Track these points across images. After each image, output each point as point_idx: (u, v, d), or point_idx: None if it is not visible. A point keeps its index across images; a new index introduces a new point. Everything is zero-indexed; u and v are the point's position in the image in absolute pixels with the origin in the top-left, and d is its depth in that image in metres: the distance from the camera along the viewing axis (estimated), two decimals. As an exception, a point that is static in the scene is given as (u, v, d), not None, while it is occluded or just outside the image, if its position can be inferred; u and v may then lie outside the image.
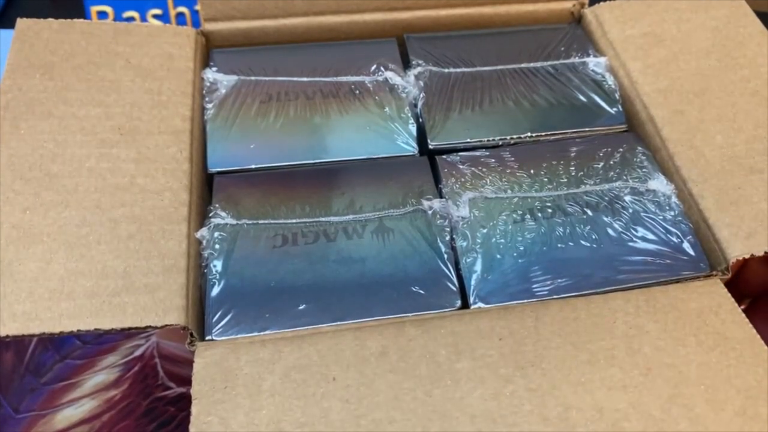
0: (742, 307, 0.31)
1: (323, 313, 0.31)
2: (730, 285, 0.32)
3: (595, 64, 0.42)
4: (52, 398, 0.40)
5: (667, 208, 0.35)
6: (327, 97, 0.40)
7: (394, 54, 0.42)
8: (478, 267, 0.33)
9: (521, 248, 0.33)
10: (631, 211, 0.35)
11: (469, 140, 0.38)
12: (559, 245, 0.34)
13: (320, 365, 0.29)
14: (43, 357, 0.41)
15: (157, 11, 0.57)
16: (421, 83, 0.40)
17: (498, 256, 0.33)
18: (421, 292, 0.32)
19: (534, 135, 0.38)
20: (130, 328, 0.29)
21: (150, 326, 0.30)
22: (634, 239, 0.34)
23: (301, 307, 0.31)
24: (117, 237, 0.32)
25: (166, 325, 0.29)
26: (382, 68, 0.41)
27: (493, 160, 0.37)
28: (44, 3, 0.63)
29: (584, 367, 0.29)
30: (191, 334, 0.30)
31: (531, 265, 0.33)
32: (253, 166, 0.37)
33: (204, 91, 0.39)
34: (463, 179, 0.36)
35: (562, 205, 0.35)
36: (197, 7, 0.55)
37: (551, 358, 0.29)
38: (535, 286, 0.32)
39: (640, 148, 0.38)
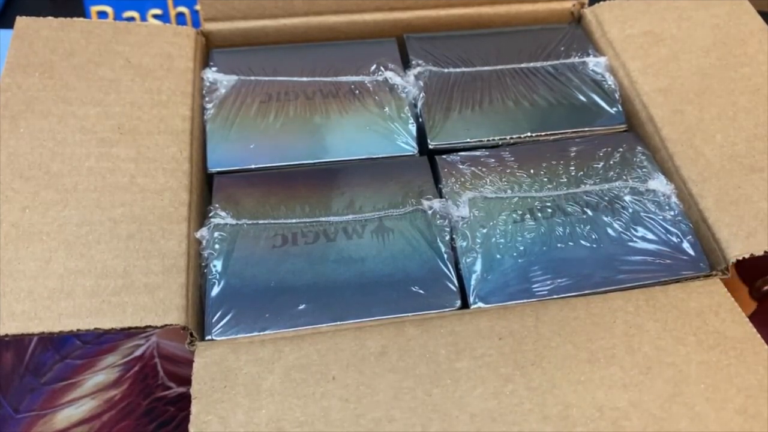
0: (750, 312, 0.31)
1: (323, 313, 0.31)
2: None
3: (594, 63, 0.42)
4: (52, 398, 0.39)
5: (667, 207, 0.35)
6: (327, 97, 0.40)
7: (394, 54, 0.42)
8: (477, 267, 0.33)
9: (521, 248, 0.33)
10: (630, 210, 0.35)
11: (468, 140, 0.38)
12: (558, 245, 0.34)
13: (320, 365, 0.29)
14: (43, 357, 0.41)
15: (157, 11, 0.57)
16: (421, 83, 0.40)
17: (498, 256, 0.33)
18: (421, 292, 0.32)
19: (534, 135, 0.38)
20: (129, 328, 0.29)
21: (150, 326, 0.29)
22: (634, 239, 0.34)
23: (301, 307, 0.31)
24: (117, 236, 0.32)
25: (166, 325, 0.29)
26: (381, 68, 0.41)
27: (492, 160, 0.37)
28: (44, 3, 0.62)
29: (584, 366, 0.29)
30: (191, 334, 0.30)
31: (531, 264, 0.33)
32: (253, 166, 0.37)
33: (204, 91, 0.39)
34: (462, 179, 0.36)
35: (562, 205, 0.35)
36: (197, 7, 0.55)
37: (551, 358, 0.29)
38: (534, 286, 0.32)
39: (639, 147, 0.38)
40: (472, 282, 0.32)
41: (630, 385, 0.28)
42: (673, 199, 0.35)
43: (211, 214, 0.34)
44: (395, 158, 0.38)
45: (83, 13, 0.56)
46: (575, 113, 0.39)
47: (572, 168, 0.37)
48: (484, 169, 0.36)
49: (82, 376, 0.40)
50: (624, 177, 0.36)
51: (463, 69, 0.41)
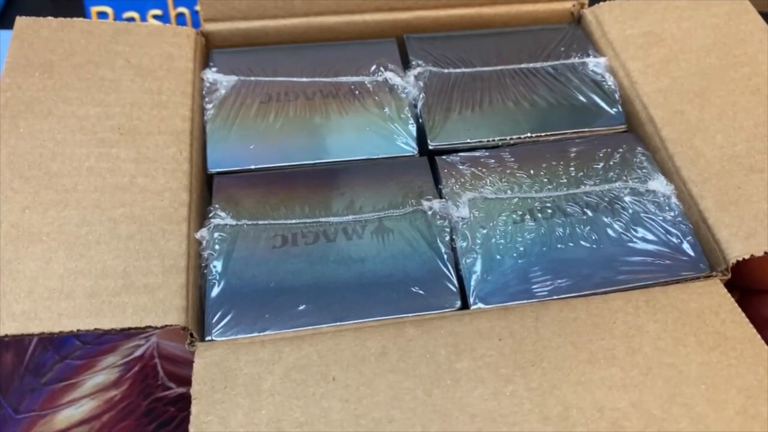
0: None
1: (323, 314, 0.31)
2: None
3: (594, 64, 0.42)
4: (52, 398, 0.39)
5: (667, 208, 0.35)
6: (327, 97, 0.40)
7: (394, 54, 0.42)
8: (477, 267, 0.33)
9: (521, 249, 0.33)
10: (630, 211, 0.35)
11: (468, 141, 0.38)
12: (558, 246, 0.34)
13: (320, 365, 0.29)
14: (43, 357, 0.41)
15: (157, 11, 0.57)
16: (421, 83, 0.40)
17: (498, 257, 0.33)
18: (421, 292, 0.32)
19: (534, 135, 0.38)
20: (129, 328, 0.29)
21: (150, 326, 0.29)
22: (634, 240, 0.34)
23: (301, 308, 0.31)
24: (117, 237, 0.32)
25: (166, 326, 0.29)
26: (381, 68, 0.41)
27: (492, 161, 0.37)
28: (44, 3, 0.62)
29: (584, 366, 0.29)
30: (191, 335, 0.30)
31: (531, 265, 0.33)
32: (253, 167, 0.37)
33: (204, 92, 0.39)
34: (462, 180, 0.36)
35: (562, 206, 0.35)
36: (197, 8, 0.55)
37: (551, 358, 0.29)
38: (534, 286, 0.32)
39: (639, 148, 0.38)
40: (472, 283, 0.32)
41: (630, 385, 0.28)
42: (673, 199, 0.35)
43: (211, 215, 0.34)
44: (395, 159, 0.38)
45: (83, 14, 0.56)
46: (575, 114, 0.39)
47: (572, 168, 0.37)
48: (484, 170, 0.36)
49: (82, 376, 0.40)
50: (624, 177, 0.36)
51: (463, 69, 0.41)
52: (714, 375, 0.28)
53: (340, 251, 0.33)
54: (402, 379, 0.28)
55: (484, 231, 0.34)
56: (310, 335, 0.30)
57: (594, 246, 0.34)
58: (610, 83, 0.41)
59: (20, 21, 0.38)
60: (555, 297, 0.32)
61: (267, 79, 0.40)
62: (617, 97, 0.40)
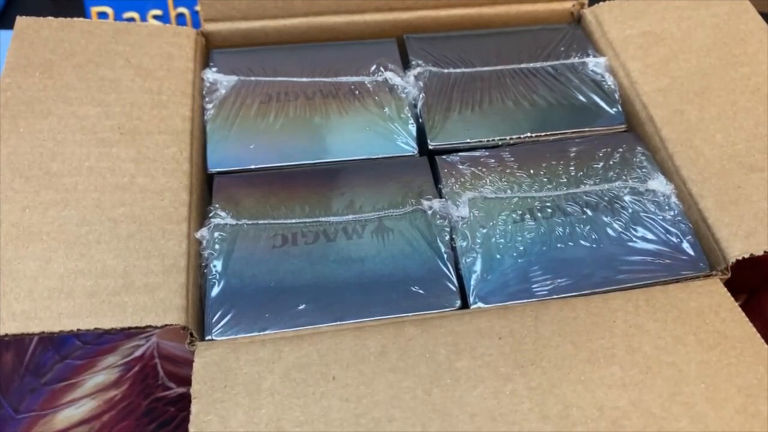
0: (739, 302, 0.31)
1: (323, 313, 0.31)
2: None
3: (594, 64, 0.42)
4: (53, 398, 0.39)
5: (667, 207, 0.35)
6: (327, 97, 0.40)
7: (394, 54, 0.42)
8: (477, 267, 0.33)
9: (521, 248, 0.33)
10: (630, 211, 0.35)
11: (468, 140, 0.38)
12: (558, 245, 0.34)
13: (320, 365, 0.29)
14: (43, 357, 0.41)
15: (157, 12, 0.57)
16: (421, 83, 0.40)
17: (498, 256, 0.33)
18: (421, 291, 0.32)
19: (534, 135, 0.38)
20: (130, 328, 0.29)
21: (150, 326, 0.29)
22: (634, 239, 0.34)
23: (301, 307, 0.31)
24: (117, 236, 0.32)
25: (166, 325, 0.29)
26: (381, 68, 0.41)
27: (492, 160, 0.37)
28: (44, 3, 0.63)
29: (584, 365, 0.29)
30: (191, 334, 0.30)
31: (531, 265, 0.33)
32: (253, 167, 0.37)
33: (204, 92, 0.39)
34: (462, 179, 0.36)
35: (562, 205, 0.35)
36: (197, 8, 0.55)
37: (551, 357, 0.29)
38: (534, 286, 0.32)
39: (639, 148, 0.38)
40: (472, 282, 0.32)
41: (630, 384, 0.28)
42: (673, 199, 0.35)
43: (211, 215, 0.34)
44: (395, 158, 0.38)
45: (83, 14, 0.56)
46: (575, 113, 0.39)
47: (572, 168, 0.37)
48: (483, 170, 0.36)
49: (83, 376, 0.40)
50: (624, 177, 0.36)
51: (463, 69, 0.41)
52: (714, 374, 0.28)
53: (340, 251, 0.33)
54: (402, 378, 0.28)
55: (484, 230, 0.34)
56: (310, 335, 0.30)
57: (594, 245, 0.34)
58: (609, 83, 0.41)
59: (20, 21, 0.38)
60: (555, 296, 0.32)
61: (267, 79, 0.40)
62: (617, 97, 0.40)
